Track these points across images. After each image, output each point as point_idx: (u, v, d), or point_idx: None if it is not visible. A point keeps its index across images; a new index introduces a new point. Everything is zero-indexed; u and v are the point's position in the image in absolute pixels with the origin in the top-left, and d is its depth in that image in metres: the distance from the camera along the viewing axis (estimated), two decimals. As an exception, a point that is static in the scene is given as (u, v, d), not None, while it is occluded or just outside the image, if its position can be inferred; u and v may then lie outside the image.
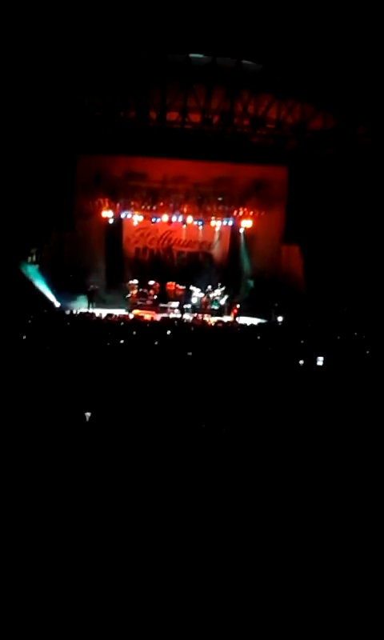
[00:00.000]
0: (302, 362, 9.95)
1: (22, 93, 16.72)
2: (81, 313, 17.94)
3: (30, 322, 13.85)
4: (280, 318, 19.57)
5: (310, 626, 2.86)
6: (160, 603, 2.94)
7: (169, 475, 4.33)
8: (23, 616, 2.83)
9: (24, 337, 10.78)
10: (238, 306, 20.55)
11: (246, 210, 21.55)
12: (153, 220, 21.81)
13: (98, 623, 2.82)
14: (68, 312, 18.00)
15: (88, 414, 5.66)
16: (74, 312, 18.00)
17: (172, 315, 19.79)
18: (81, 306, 19.41)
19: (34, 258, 21.28)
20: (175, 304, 20.72)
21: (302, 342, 13.21)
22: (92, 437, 5.28)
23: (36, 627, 2.76)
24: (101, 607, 2.89)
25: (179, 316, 19.67)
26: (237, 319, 19.69)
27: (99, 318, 16.89)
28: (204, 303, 20.90)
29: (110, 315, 17.78)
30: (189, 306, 20.73)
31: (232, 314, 20.40)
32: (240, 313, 20.45)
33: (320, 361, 9.93)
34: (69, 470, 4.33)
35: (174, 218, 21.69)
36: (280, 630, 2.82)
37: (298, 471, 4.57)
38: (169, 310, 20.55)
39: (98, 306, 19.88)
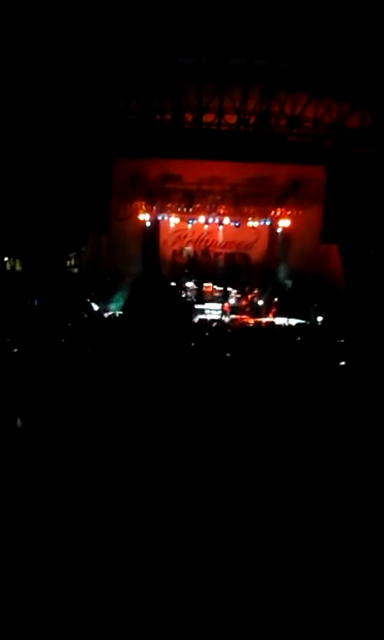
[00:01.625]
0: (342, 362, 9.83)
1: (59, 99, 16.92)
2: (119, 315, 18.03)
3: (69, 325, 13.96)
4: (320, 319, 19.39)
5: (310, 625, 2.83)
6: (160, 603, 2.93)
7: (195, 474, 4.31)
8: (23, 616, 2.84)
9: (63, 340, 10.87)
10: (278, 304, 20.48)
11: (283, 209, 21.45)
12: (189, 222, 21.83)
13: (98, 623, 2.82)
14: (106, 315, 18.14)
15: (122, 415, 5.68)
16: (112, 315, 18.12)
17: (209, 317, 19.79)
18: (119, 310, 19.53)
19: (73, 262, 21.52)
20: (212, 305, 20.73)
21: (342, 342, 13.06)
22: (129, 435, 5.29)
23: (36, 627, 2.77)
24: (101, 607, 2.89)
25: (218, 317, 19.65)
26: (275, 320, 19.58)
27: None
28: (242, 304, 20.85)
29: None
30: (228, 308, 20.70)
31: (271, 315, 20.32)
32: (278, 313, 20.35)
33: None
34: (87, 470, 4.34)
35: (210, 220, 21.69)
36: (280, 630, 2.79)
37: (321, 472, 4.51)
38: (207, 312, 20.56)
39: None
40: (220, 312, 20.48)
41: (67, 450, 4.78)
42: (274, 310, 20.60)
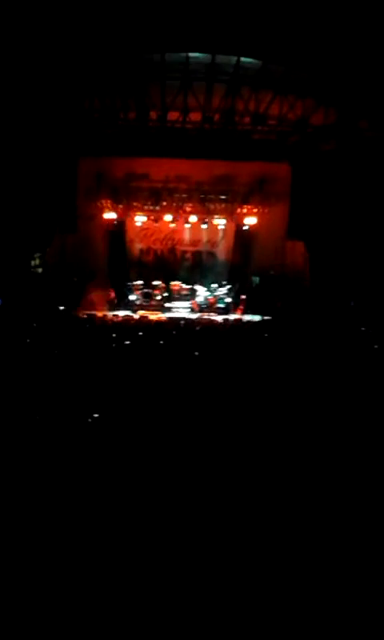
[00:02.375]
0: (309, 357, 9.90)
1: (21, 97, 16.73)
2: (87, 315, 17.91)
3: (35, 325, 13.82)
4: (286, 315, 19.50)
5: (310, 625, 2.82)
6: (160, 603, 2.91)
7: (173, 474, 4.29)
8: (23, 616, 2.80)
9: (28, 340, 10.76)
10: (245, 300, 20.58)
11: (249, 207, 21.48)
12: (154, 220, 21.78)
13: (97, 623, 2.78)
14: (73, 314, 18.00)
15: (95, 415, 5.62)
16: (79, 314, 17.99)
17: (177, 315, 19.76)
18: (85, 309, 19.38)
19: (38, 262, 21.31)
20: (180, 304, 20.72)
21: (308, 336, 13.15)
22: (97, 437, 5.24)
23: (36, 627, 2.73)
24: (101, 607, 2.86)
25: (186, 315, 19.64)
26: (243, 317, 19.64)
27: (104, 320, 16.85)
28: (210, 302, 20.88)
29: (115, 316, 17.75)
30: (196, 305, 20.70)
31: (238, 312, 20.38)
32: (246, 310, 20.43)
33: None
34: (72, 470, 4.30)
35: (177, 218, 21.68)
36: (280, 630, 2.78)
37: (306, 466, 4.52)
38: (174, 309, 20.54)
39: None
40: (189, 309, 20.46)
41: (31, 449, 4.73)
42: (241, 306, 20.67)
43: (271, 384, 7.72)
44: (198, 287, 21.24)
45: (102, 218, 21.41)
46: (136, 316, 18.72)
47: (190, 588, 3.03)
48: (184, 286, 21.28)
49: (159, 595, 2.97)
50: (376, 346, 11.40)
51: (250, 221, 21.67)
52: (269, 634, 2.76)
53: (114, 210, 21.39)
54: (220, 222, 21.98)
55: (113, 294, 20.65)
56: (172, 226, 22.09)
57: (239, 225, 22.23)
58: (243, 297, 21.03)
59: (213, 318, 19.27)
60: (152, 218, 21.69)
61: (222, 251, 22.87)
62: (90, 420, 5.58)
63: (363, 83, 16.13)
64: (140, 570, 3.17)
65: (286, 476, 4.40)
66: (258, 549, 3.42)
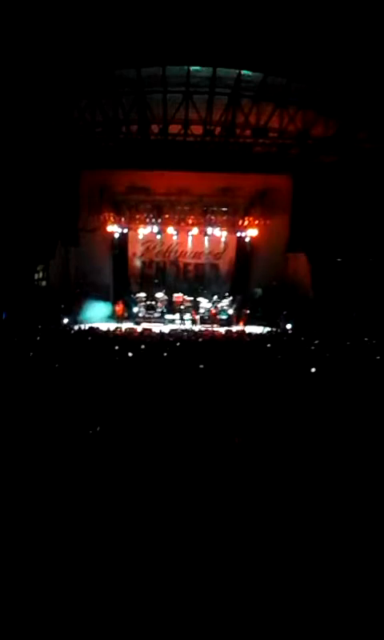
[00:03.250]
0: (313, 369, 9.88)
1: (23, 111, 16.84)
2: (89, 328, 17.94)
3: (38, 338, 13.83)
4: (289, 326, 19.50)
5: (310, 625, 2.82)
6: (160, 603, 2.91)
7: (179, 485, 4.28)
8: (23, 616, 2.80)
9: (31, 353, 10.76)
10: (247, 313, 20.61)
11: (251, 219, 21.58)
12: (157, 232, 21.84)
13: (97, 623, 2.79)
14: (76, 327, 18.03)
15: (98, 428, 5.62)
16: (82, 327, 18.02)
17: (181, 327, 19.79)
18: (89, 321, 19.40)
19: (41, 275, 21.36)
20: (183, 316, 20.73)
21: (312, 348, 13.13)
22: (101, 450, 5.24)
23: (36, 627, 2.73)
24: (101, 607, 2.86)
25: (188, 327, 19.65)
26: (246, 328, 19.65)
27: (107, 333, 16.86)
28: (212, 314, 20.90)
29: (117, 329, 17.77)
30: (197, 317, 20.70)
31: (241, 323, 20.39)
32: (248, 322, 20.45)
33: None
34: (77, 482, 4.30)
35: (179, 230, 21.77)
36: (280, 630, 2.78)
37: (309, 479, 4.51)
38: (177, 321, 20.57)
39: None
40: (190, 321, 20.46)
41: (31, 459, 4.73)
42: (244, 318, 20.69)
43: (275, 396, 7.71)
44: (200, 299, 21.26)
45: (104, 230, 21.50)
46: (139, 328, 18.74)
47: (190, 588, 3.03)
48: (187, 298, 21.30)
49: (159, 595, 2.97)
50: (378, 357, 11.39)
51: (252, 233, 21.75)
52: (269, 634, 2.76)
53: (117, 222, 21.48)
54: (222, 234, 22.04)
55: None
56: (174, 238, 22.15)
57: (241, 237, 22.29)
58: (246, 309, 21.06)
59: (216, 329, 19.29)
60: (154, 230, 21.76)
61: (224, 263, 22.93)
62: (92, 433, 5.58)
63: (362, 95, 16.22)
64: (140, 570, 3.18)
65: (285, 483, 4.40)
66: (258, 550, 3.43)
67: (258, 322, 20.58)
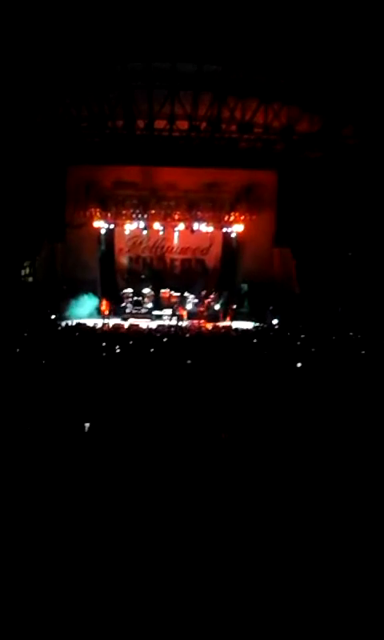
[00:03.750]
0: (299, 364, 9.95)
1: (8, 106, 16.76)
2: (77, 324, 17.93)
3: (25, 334, 13.82)
4: (275, 321, 19.60)
5: (310, 626, 2.86)
6: (160, 603, 2.94)
7: (168, 481, 4.32)
8: (23, 616, 2.83)
9: (18, 350, 10.76)
10: (234, 307, 20.68)
11: (237, 214, 21.59)
12: (143, 228, 21.81)
13: (97, 623, 2.82)
14: (63, 323, 18.00)
15: (87, 425, 5.64)
16: (69, 323, 18.00)
17: (167, 323, 19.80)
18: (76, 317, 19.36)
19: (28, 271, 21.31)
20: (170, 311, 20.72)
21: (298, 343, 13.23)
22: (91, 447, 5.27)
23: (36, 627, 2.76)
24: (101, 607, 2.89)
25: (173, 323, 19.66)
26: (232, 323, 19.71)
27: (94, 328, 16.87)
28: (199, 309, 20.94)
29: (104, 325, 17.78)
30: (184, 311, 20.71)
31: (228, 319, 20.46)
32: (235, 317, 20.51)
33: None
34: (68, 479, 4.33)
35: (165, 226, 21.76)
36: (280, 630, 2.82)
37: (299, 475, 4.56)
38: (164, 317, 20.57)
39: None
40: (176, 317, 20.41)
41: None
42: (230, 314, 20.75)
43: (261, 391, 7.76)
44: (187, 295, 21.28)
45: (90, 226, 21.46)
46: (126, 324, 18.75)
47: (190, 588, 3.06)
48: (174, 293, 21.31)
49: (159, 595, 3.01)
50: (364, 352, 11.50)
51: (238, 228, 21.79)
52: (268, 634, 2.80)
53: (103, 218, 21.44)
54: (208, 230, 22.06)
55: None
56: (161, 234, 22.14)
57: (227, 232, 22.32)
58: (232, 304, 21.12)
59: (203, 325, 19.33)
60: (141, 226, 21.72)
61: (210, 259, 22.94)
62: (81, 429, 5.61)
63: (347, 90, 16.29)
64: (139, 570, 3.21)
65: (273, 478, 4.45)
66: (257, 549, 3.46)
67: (244, 318, 20.66)
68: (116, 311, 20.80)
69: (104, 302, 20.41)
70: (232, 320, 20.30)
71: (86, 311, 20.11)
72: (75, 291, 20.39)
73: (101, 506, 3.97)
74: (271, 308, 20.16)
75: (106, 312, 20.11)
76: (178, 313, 20.35)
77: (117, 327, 17.58)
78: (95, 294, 20.91)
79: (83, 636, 2.76)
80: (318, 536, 3.61)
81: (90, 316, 19.92)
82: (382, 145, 17.81)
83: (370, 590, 3.11)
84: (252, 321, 20.14)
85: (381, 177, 18.60)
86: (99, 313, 20.22)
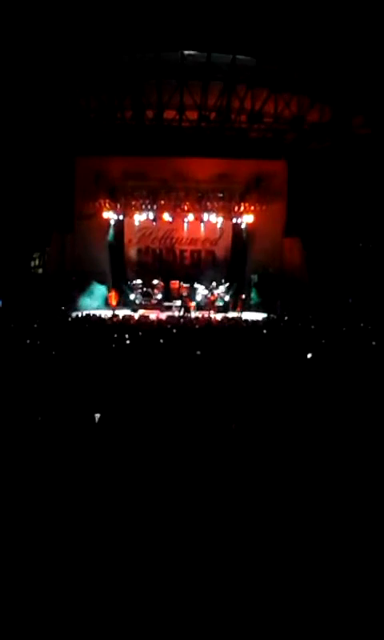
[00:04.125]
0: (309, 355, 9.93)
1: (17, 97, 16.75)
2: (86, 315, 17.96)
3: (35, 326, 13.86)
4: (285, 312, 19.56)
5: (310, 626, 2.85)
6: (160, 604, 2.94)
7: (176, 473, 4.32)
8: (23, 616, 2.84)
9: (28, 341, 10.79)
10: (243, 298, 20.66)
11: (247, 205, 21.51)
12: (152, 219, 21.77)
13: (97, 623, 2.82)
14: (73, 315, 18.04)
15: (97, 416, 5.65)
16: (79, 315, 18.04)
17: (177, 314, 19.81)
18: (86, 309, 19.39)
19: (37, 262, 21.35)
20: (178, 302, 20.70)
21: (308, 334, 13.19)
22: (101, 437, 5.28)
23: (36, 627, 2.77)
24: (101, 607, 2.89)
25: (184, 314, 19.65)
26: (242, 314, 19.69)
27: (104, 320, 16.88)
28: (209, 300, 20.92)
29: (114, 316, 17.80)
30: (193, 303, 20.68)
31: (237, 310, 20.43)
32: (244, 308, 20.48)
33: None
34: (76, 471, 4.34)
35: (175, 217, 21.72)
36: (280, 630, 2.81)
37: (306, 467, 4.55)
38: (174, 308, 20.57)
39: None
40: (183, 309, 20.33)
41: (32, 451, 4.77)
42: (240, 304, 20.73)
43: (271, 382, 7.75)
44: (197, 286, 21.26)
45: (100, 217, 21.45)
46: (136, 315, 18.76)
47: (190, 588, 3.06)
48: (183, 284, 21.29)
49: (159, 595, 3.01)
50: (374, 343, 11.45)
51: (248, 218, 21.72)
52: (268, 634, 2.80)
53: (112, 209, 21.42)
54: (218, 221, 22.00)
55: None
56: (170, 224, 22.10)
57: (237, 223, 22.26)
58: (242, 295, 21.09)
59: (213, 316, 19.32)
60: (150, 217, 21.69)
61: (220, 249, 22.90)
62: (92, 420, 5.62)
63: (357, 80, 16.16)
64: (140, 569, 3.21)
65: (286, 476, 4.43)
66: (258, 549, 3.46)
67: (254, 309, 20.63)
68: (125, 302, 20.82)
69: (112, 294, 20.41)
70: (242, 311, 20.27)
71: (95, 302, 20.15)
72: (85, 282, 20.41)
73: (108, 497, 3.97)
74: (281, 299, 20.10)
75: (115, 303, 20.11)
76: (185, 304, 20.30)
77: (127, 318, 17.59)
78: (105, 284, 20.94)
79: (83, 636, 2.76)
80: (324, 531, 3.60)
81: (100, 307, 19.95)
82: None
83: (370, 589, 3.10)
84: (262, 312, 20.09)
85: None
86: (107, 304, 20.23)
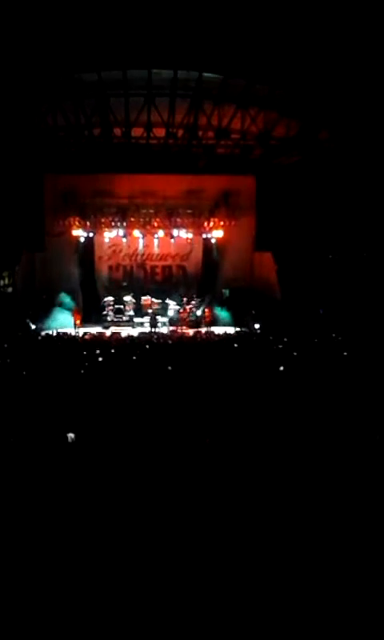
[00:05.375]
0: (281, 367, 9.97)
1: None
2: (58, 333, 17.83)
3: (5, 345, 13.71)
4: (257, 325, 19.62)
5: (310, 626, 2.84)
6: (160, 604, 2.92)
7: (152, 488, 4.29)
8: (23, 616, 2.80)
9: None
10: (215, 313, 20.72)
11: (216, 220, 21.64)
12: (122, 236, 21.75)
13: (97, 623, 2.80)
14: (43, 333, 17.89)
15: (71, 435, 5.60)
16: (50, 333, 17.91)
17: (148, 330, 19.74)
18: (57, 327, 19.20)
19: (7, 281, 21.17)
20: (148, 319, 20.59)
21: (280, 347, 13.25)
22: (76, 456, 5.23)
23: (36, 627, 2.73)
24: (101, 608, 2.87)
25: (151, 330, 19.56)
26: (211, 327, 19.72)
27: (75, 338, 16.78)
28: (181, 315, 20.90)
29: (85, 334, 17.69)
30: (165, 319, 20.65)
31: (204, 322, 20.49)
32: (217, 322, 20.52)
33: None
34: (50, 490, 4.29)
35: (145, 233, 21.75)
36: (280, 630, 2.80)
37: (281, 477, 4.55)
38: (144, 324, 20.49)
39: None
40: (153, 324, 20.17)
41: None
42: (208, 316, 20.80)
43: (244, 396, 7.76)
44: (168, 301, 21.25)
45: (70, 235, 21.38)
46: (108, 332, 18.67)
47: (189, 588, 3.04)
48: (155, 300, 21.26)
49: (159, 595, 2.99)
50: (345, 353, 11.54)
51: (218, 234, 21.84)
52: (268, 634, 2.78)
53: (82, 226, 21.37)
54: (188, 236, 22.07)
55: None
56: (140, 241, 22.11)
57: (207, 238, 22.36)
58: (213, 309, 21.16)
59: (185, 331, 19.32)
60: (120, 234, 21.67)
61: (191, 265, 22.95)
62: (65, 439, 5.57)
63: (323, 95, 16.39)
64: (140, 568, 3.19)
65: (257, 481, 4.44)
66: (257, 548, 3.45)
67: (226, 323, 20.67)
68: (97, 320, 20.70)
69: (76, 315, 20.14)
70: (213, 325, 20.29)
71: (66, 320, 19.97)
72: (55, 301, 20.26)
73: (83, 514, 3.93)
74: (253, 312, 20.17)
75: (79, 323, 19.91)
76: (154, 320, 20.19)
77: (98, 336, 17.49)
78: (76, 302, 20.79)
79: (83, 635, 2.73)
80: (314, 536, 3.60)
81: (71, 325, 19.80)
82: (357, 148, 17.95)
83: (370, 589, 3.10)
84: (234, 326, 20.14)
85: (358, 180, 18.75)
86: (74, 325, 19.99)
